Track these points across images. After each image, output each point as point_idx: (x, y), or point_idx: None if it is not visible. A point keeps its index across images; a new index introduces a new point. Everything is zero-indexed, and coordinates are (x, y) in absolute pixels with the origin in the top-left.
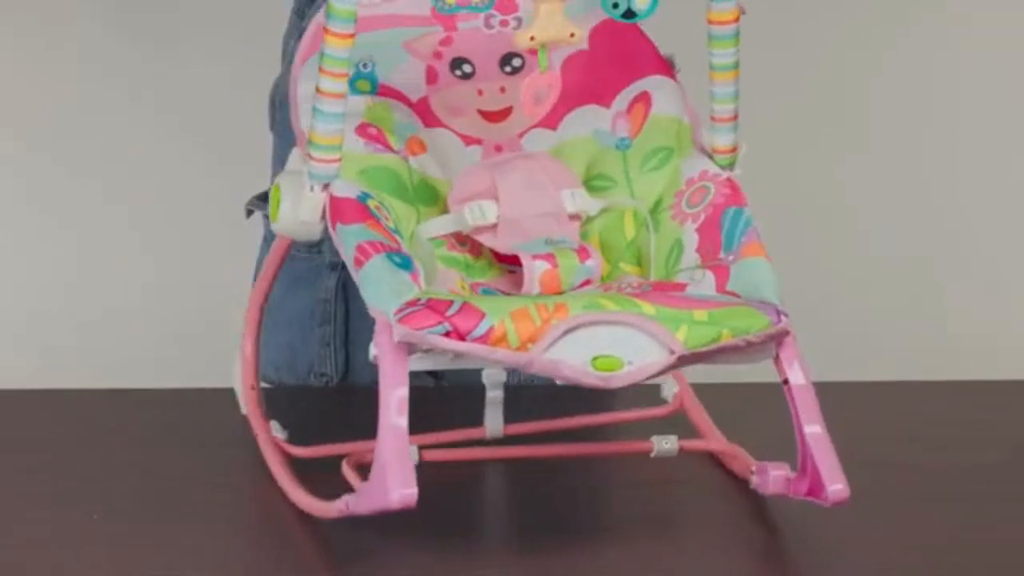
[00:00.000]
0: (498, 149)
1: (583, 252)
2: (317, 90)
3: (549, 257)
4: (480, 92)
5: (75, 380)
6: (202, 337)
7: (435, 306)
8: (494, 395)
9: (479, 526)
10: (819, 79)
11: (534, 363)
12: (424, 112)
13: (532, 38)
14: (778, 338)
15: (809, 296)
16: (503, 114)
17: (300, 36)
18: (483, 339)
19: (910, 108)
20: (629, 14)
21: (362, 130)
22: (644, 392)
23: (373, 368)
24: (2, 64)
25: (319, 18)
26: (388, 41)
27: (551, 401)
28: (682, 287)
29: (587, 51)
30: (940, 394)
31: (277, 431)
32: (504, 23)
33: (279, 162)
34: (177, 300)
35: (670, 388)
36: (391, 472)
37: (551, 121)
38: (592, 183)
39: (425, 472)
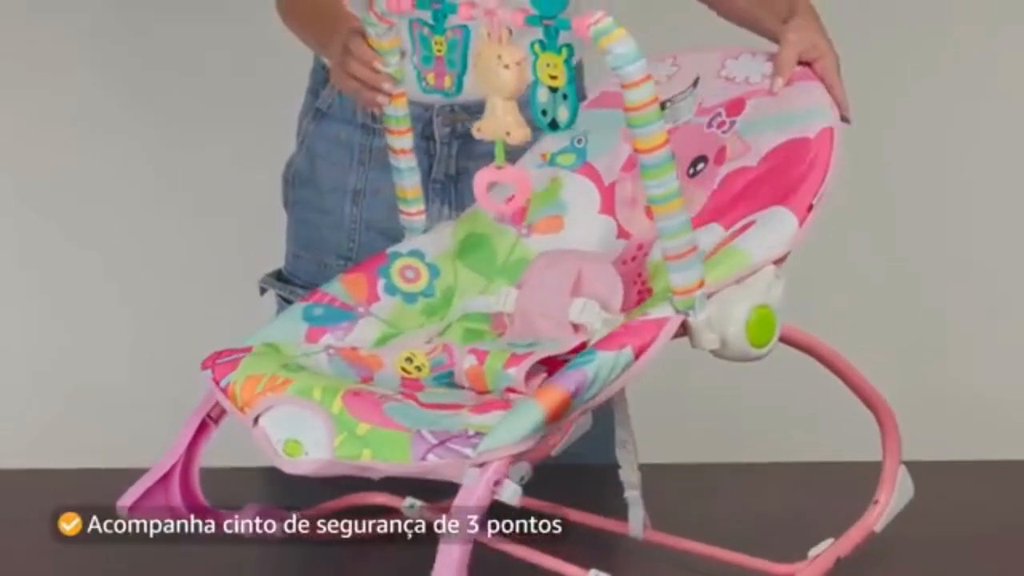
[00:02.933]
0: (639, 248)
1: (513, 360)
2: (390, 150)
3: (481, 355)
4: None
5: (86, 457)
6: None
7: (223, 353)
8: (632, 495)
9: None
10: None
11: (250, 429)
12: (606, 196)
13: (479, 129)
14: (429, 474)
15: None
16: None
17: (314, 115)
18: (224, 391)
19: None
20: (554, 124)
21: (514, 200)
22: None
23: None
24: (10, 136)
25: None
26: (608, 123)
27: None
28: (500, 405)
29: (752, 169)
30: (940, 473)
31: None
32: (722, 124)
33: (293, 240)
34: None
35: (821, 547)
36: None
37: None
38: (656, 295)
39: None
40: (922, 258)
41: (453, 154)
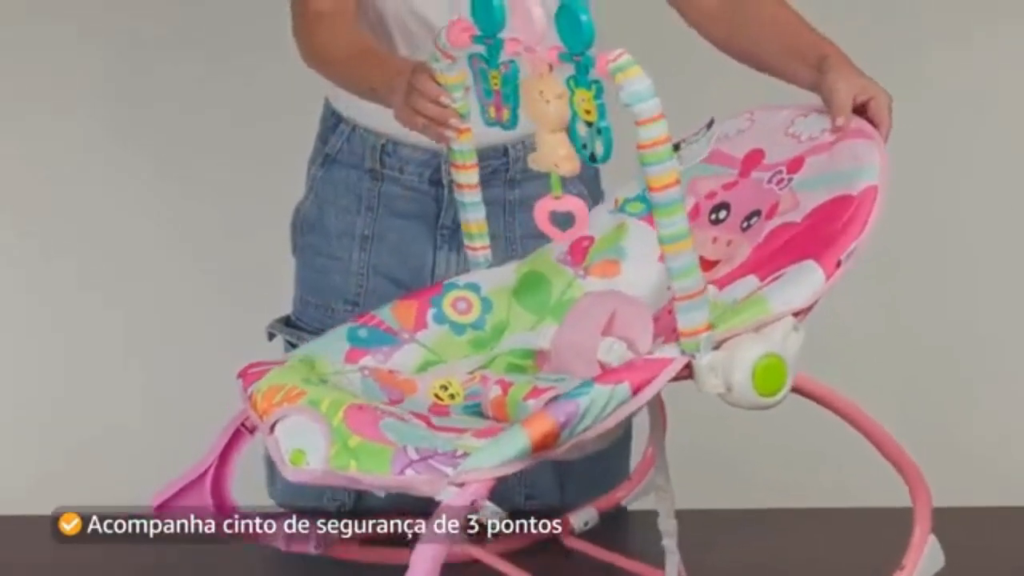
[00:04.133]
0: None
1: (534, 392)
2: (456, 184)
3: (506, 386)
4: (715, 240)
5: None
6: None
7: (258, 364)
8: (668, 543)
9: None
10: None
11: (266, 438)
12: None
13: (533, 160)
14: (408, 489)
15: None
16: (711, 264)
17: (323, 161)
18: (248, 399)
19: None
20: (592, 158)
21: (577, 242)
22: None
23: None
24: (19, 181)
25: None
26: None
27: None
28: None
29: (795, 225)
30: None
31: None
32: (780, 182)
33: (301, 285)
34: (196, 423)
35: None
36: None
37: (723, 281)
38: None
39: None
40: (923, 307)
41: None
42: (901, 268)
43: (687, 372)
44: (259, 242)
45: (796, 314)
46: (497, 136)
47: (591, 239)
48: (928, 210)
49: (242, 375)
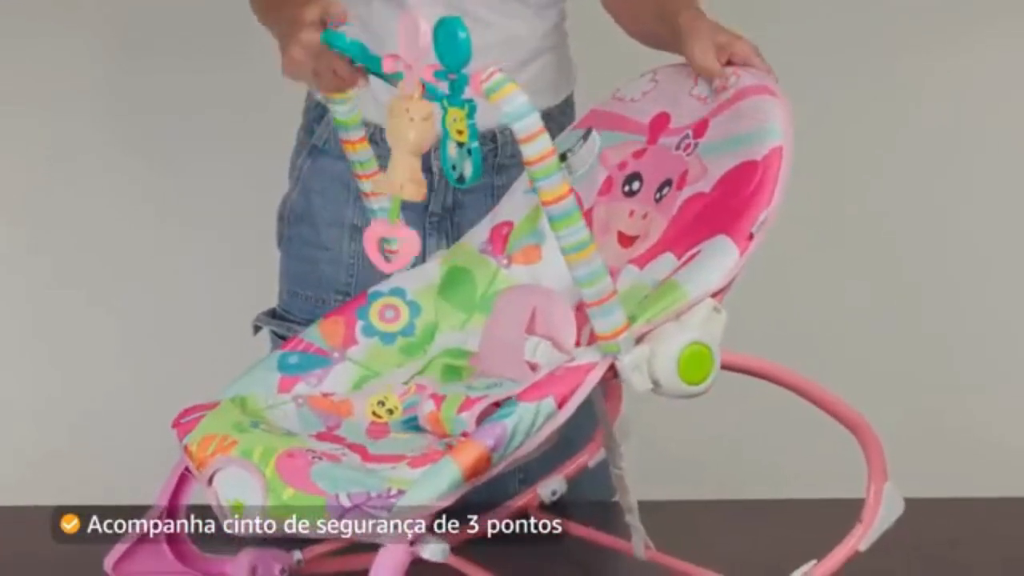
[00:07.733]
0: (612, 273)
1: (467, 404)
2: (362, 193)
3: (438, 400)
4: (631, 213)
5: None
6: None
7: (191, 410)
8: (631, 519)
9: None
10: None
11: (205, 491)
12: (585, 222)
13: (376, 183)
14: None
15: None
16: (630, 240)
17: (309, 152)
18: (184, 450)
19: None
20: (461, 179)
21: (497, 229)
22: None
23: None
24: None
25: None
26: (592, 146)
27: None
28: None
29: (707, 194)
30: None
31: None
32: (688, 147)
33: (286, 277)
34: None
35: (804, 568)
36: None
37: (643, 260)
38: None
39: None
40: (924, 289)
41: (450, 187)
42: (896, 258)
43: (612, 373)
44: (244, 235)
45: (715, 294)
46: (484, 122)
47: (510, 224)
48: (926, 202)
49: (175, 425)
